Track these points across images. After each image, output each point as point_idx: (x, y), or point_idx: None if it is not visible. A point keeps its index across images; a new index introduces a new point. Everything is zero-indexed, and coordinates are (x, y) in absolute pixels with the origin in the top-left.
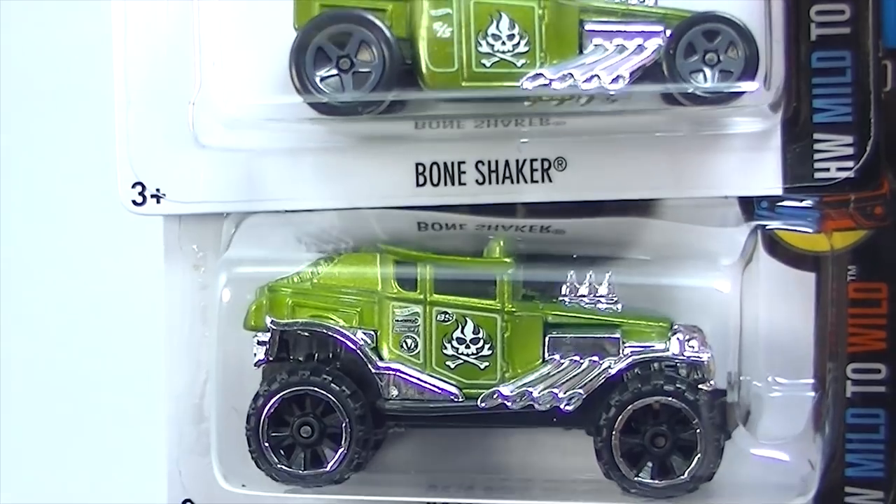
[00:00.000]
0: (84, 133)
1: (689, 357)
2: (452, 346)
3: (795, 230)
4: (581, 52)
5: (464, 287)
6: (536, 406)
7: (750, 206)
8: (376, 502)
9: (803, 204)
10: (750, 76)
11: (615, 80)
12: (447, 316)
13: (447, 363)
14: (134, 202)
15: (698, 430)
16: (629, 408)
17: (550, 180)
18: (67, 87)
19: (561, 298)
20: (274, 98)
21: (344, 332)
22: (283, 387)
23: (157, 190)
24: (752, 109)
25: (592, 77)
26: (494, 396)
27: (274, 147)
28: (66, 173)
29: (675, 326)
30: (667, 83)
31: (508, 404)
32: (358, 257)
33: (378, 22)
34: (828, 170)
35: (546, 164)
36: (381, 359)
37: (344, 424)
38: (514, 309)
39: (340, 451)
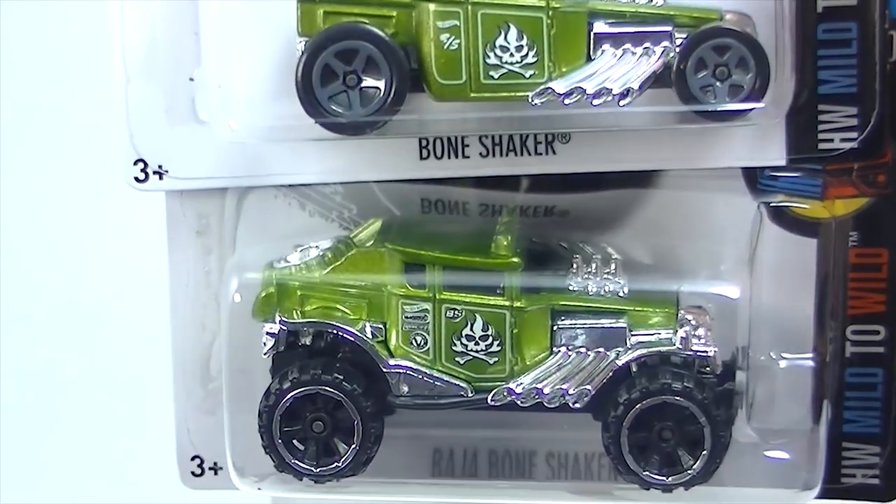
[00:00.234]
0: (85, 109)
1: (696, 351)
2: (462, 343)
3: (798, 198)
4: (590, 57)
5: (472, 284)
6: (546, 404)
7: (753, 176)
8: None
9: (806, 173)
10: (761, 91)
11: (625, 93)
12: (456, 313)
13: (456, 359)
14: (136, 179)
15: (705, 428)
16: (637, 407)
17: (554, 153)
18: (66, 66)
19: (567, 283)
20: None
21: (354, 331)
22: (294, 386)
23: (160, 166)
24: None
25: (602, 91)
26: (505, 394)
27: (276, 122)
28: (68, 146)
29: (681, 312)
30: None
31: (518, 402)
32: (366, 256)
33: (386, 37)
34: (832, 140)
35: (550, 137)
36: (391, 355)
37: (356, 422)
38: (522, 305)
39: (353, 446)
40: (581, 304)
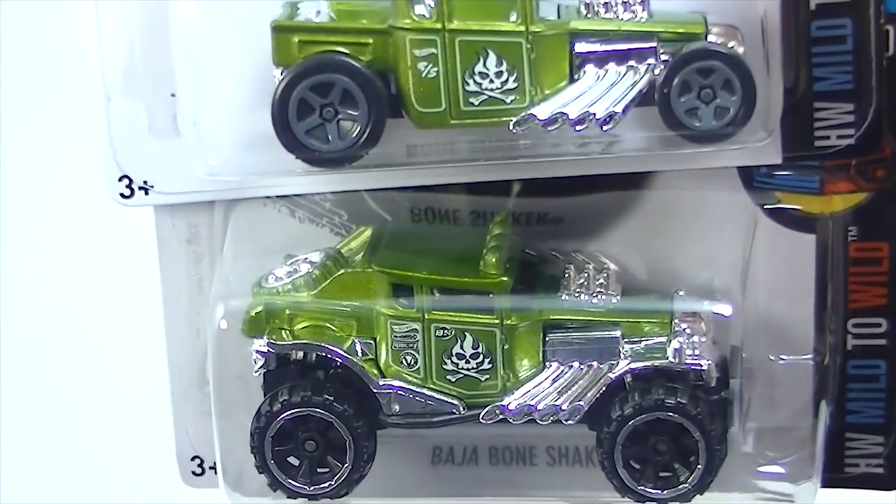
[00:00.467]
0: (67, 128)
1: (689, 364)
2: (452, 362)
3: (795, 194)
4: (573, 77)
5: (461, 303)
6: (539, 421)
7: (749, 174)
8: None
9: (803, 170)
10: (747, 113)
11: (609, 118)
12: (446, 332)
13: (448, 377)
14: (122, 195)
15: (699, 442)
16: (630, 423)
17: None
18: (47, 85)
19: (559, 295)
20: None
21: (343, 353)
22: (284, 408)
23: (145, 182)
24: None
25: (585, 117)
26: (497, 412)
27: (260, 131)
28: (54, 159)
29: (676, 320)
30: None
31: (511, 420)
32: (353, 277)
33: (361, 69)
34: (828, 138)
35: None
36: (381, 374)
37: (347, 442)
38: (513, 322)
39: (345, 465)
40: (573, 316)
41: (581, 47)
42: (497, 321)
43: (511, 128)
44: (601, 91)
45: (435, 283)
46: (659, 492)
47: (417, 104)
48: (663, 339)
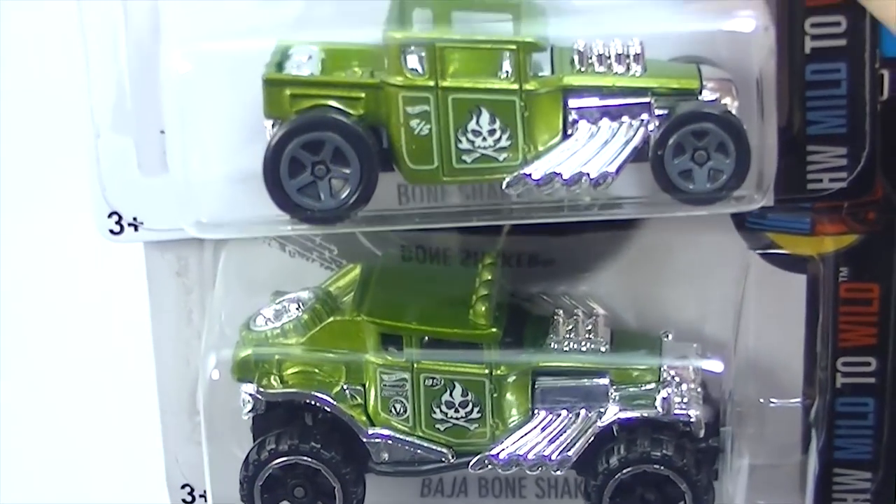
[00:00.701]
0: (56, 164)
1: (677, 415)
2: (441, 410)
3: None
4: (566, 134)
5: (451, 354)
6: (528, 471)
7: (741, 214)
8: None
9: (795, 211)
10: (741, 175)
11: (602, 178)
12: (435, 381)
13: (437, 426)
14: (111, 231)
15: (686, 493)
16: (617, 476)
17: None
18: (36, 121)
19: (548, 342)
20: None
21: (332, 401)
22: (272, 456)
23: (134, 218)
24: None
25: (579, 177)
26: (486, 462)
27: (249, 170)
28: (44, 195)
29: (664, 368)
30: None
31: (499, 471)
32: (342, 325)
33: (352, 126)
34: (821, 181)
35: None
36: (370, 421)
37: (336, 489)
38: (502, 373)
39: None
40: (561, 364)
41: (575, 103)
42: (486, 372)
43: (504, 188)
44: (595, 149)
45: (424, 334)
46: None
47: (409, 161)
48: (652, 386)
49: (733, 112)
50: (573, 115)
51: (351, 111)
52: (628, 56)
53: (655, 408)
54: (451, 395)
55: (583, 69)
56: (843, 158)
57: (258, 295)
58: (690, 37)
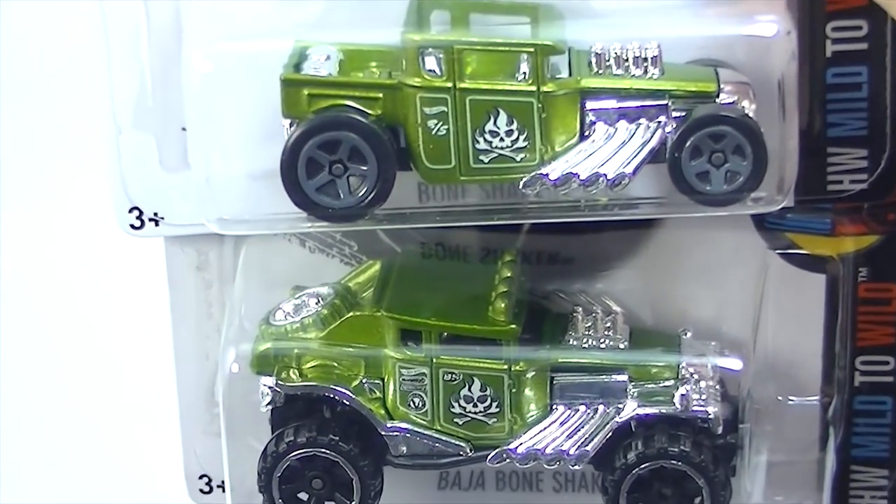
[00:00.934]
0: (79, 161)
1: (695, 412)
2: (460, 405)
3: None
4: (583, 135)
5: (470, 350)
6: (546, 465)
7: (761, 214)
8: None
9: (815, 212)
10: (758, 177)
11: (619, 179)
12: (454, 376)
13: (455, 420)
14: (132, 226)
15: (703, 489)
16: (634, 471)
17: None
18: (58, 118)
19: (566, 339)
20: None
21: (350, 395)
22: (290, 449)
23: (155, 214)
24: None
25: (596, 178)
26: (504, 456)
27: (269, 168)
28: (66, 191)
29: (683, 366)
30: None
31: (517, 465)
32: (361, 320)
33: (369, 125)
34: (841, 182)
35: None
36: (389, 415)
37: (354, 480)
38: (521, 369)
39: (352, 503)
40: (580, 361)
41: (592, 105)
42: (505, 367)
43: (521, 188)
44: (612, 150)
45: (443, 330)
46: None
47: (427, 161)
48: (670, 382)
49: (751, 115)
50: (590, 117)
51: (368, 111)
52: (646, 59)
53: (674, 404)
54: (469, 390)
55: (600, 71)
56: (863, 160)
57: (278, 290)
58: (711, 41)
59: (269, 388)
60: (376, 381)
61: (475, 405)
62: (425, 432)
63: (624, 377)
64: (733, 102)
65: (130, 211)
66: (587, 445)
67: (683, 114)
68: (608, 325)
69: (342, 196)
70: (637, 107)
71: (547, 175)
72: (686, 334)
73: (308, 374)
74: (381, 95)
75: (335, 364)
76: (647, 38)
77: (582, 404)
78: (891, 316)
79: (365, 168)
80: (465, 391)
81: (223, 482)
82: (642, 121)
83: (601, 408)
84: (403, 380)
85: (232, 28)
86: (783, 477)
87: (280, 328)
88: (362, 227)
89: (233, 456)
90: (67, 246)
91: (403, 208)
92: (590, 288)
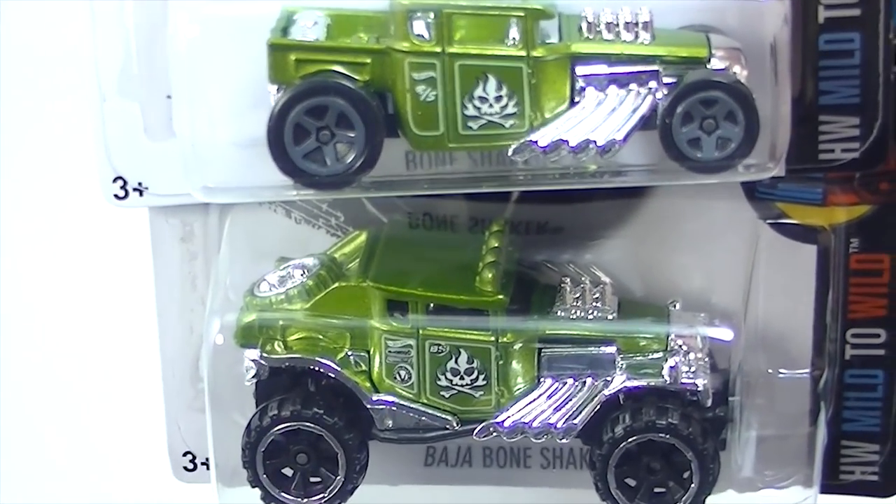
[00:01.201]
0: (62, 128)
1: (684, 384)
2: (447, 378)
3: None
4: (573, 101)
5: (457, 321)
6: (533, 438)
7: (751, 184)
8: None
9: (806, 181)
10: (749, 144)
11: (609, 145)
12: (440, 348)
13: (441, 393)
14: (116, 196)
15: (692, 462)
16: (622, 445)
17: None
18: (41, 86)
19: (554, 310)
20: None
21: (336, 368)
22: (274, 422)
23: (139, 184)
24: None
25: (586, 144)
26: (491, 429)
27: (255, 135)
28: (49, 159)
29: (672, 337)
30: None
31: (504, 438)
32: (347, 291)
33: (356, 90)
34: (832, 151)
35: None
36: (374, 388)
37: (339, 454)
38: (508, 340)
39: (338, 477)
40: (568, 332)
41: (582, 70)
42: (492, 339)
43: (510, 155)
44: (602, 117)
45: (430, 300)
46: None
47: (415, 127)
48: (659, 355)
49: (742, 81)
50: (581, 83)
51: (356, 76)
52: (637, 24)
53: (662, 377)
54: (456, 362)
55: (591, 37)
56: (855, 129)
57: (263, 261)
58: (703, 6)
59: (254, 360)
60: (362, 354)
61: (462, 378)
62: (411, 405)
63: (612, 349)
64: (725, 68)
65: (114, 181)
66: (575, 419)
67: (674, 80)
68: (596, 296)
69: (329, 163)
70: (627, 72)
71: (536, 142)
72: (675, 306)
73: (293, 346)
74: (369, 60)
75: (320, 336)
76: (638, 2)
77: (570, 377)
78: (882, 287)
79: (352, 135)
80: (451, 363)
81: (207, 459)
82: (633, 86)
83: (589, 380)
84: (389, 352)
85: None
86: (773, 451)
87: (265, 300)
88: (349, 195)
89: (217, 431)
90: (50, 216)
91: (391, 176)
92: (579, 258)
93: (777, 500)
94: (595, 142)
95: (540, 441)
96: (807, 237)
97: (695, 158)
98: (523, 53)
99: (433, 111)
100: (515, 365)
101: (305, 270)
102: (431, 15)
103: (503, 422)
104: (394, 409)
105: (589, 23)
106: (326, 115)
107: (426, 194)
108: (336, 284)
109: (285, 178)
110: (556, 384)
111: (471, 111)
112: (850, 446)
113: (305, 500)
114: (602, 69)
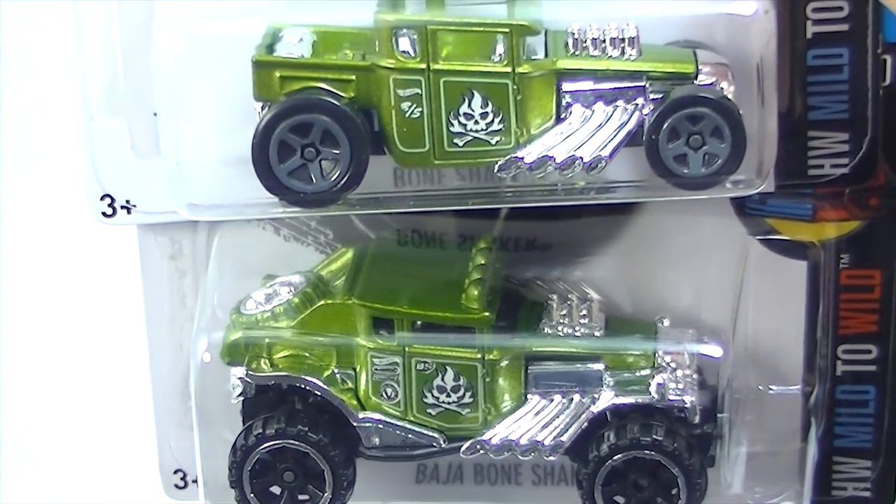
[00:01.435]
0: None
1: (672, 401)
2: (433, 395)
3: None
4: (559, 117)
5: (442, 338)
6: (520, 456)
7: (741, 199)
8: None
9: (796, 197)
10: (736, 160)
11: (595, 162)
12: (426, 365)
13: (428, 410)
14: (104, 214)
15: (678, 478)
16: (608, 463)
17: None
18: (28, 104)
19: (541, 327)
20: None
21: (322, 385)
22: (259, 441)
23: (127, 201)
24: None
25: (572, 161)
26: (478, 447)
27: (241, 152)
28: (37, 177)
29: (659, 353)
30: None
31: (492, 456)
32: (333, 308)
33: (341, 107)
34: (822, 167)
35: None
36: (361, 406)
37: (325, 471)
38: (495, 357)
39: (325, 494)
40: (555, 349)
41: (568, 86)
42: (479, 356)
43: (496, 171)
44: (588, 133)
45: (416, 318)
46: None
47: (401, 144)
48: (647, 371)
49: (729, 96)
50: (567, 99)
51: (341, 93)
52: (623, 40)
53: (650, 393)
54: (442, 379)
55: (577, 53)
56: (844, 144)
57: (251, 278)
58: (689, 21)
59: (240, 378)
60: (348, 372)
61: (448, 395)
62: (398, 423)
63: (600, 366)
64: (712, 84)
65: (102, 198)
66: (562, 436)
67: (661, 95)
68: (584, 312)
69: (314, 180)
70: (614, 88)
71: (522, 158)
72: (663, 322)
73: (279, 363)
74: (354, 77)
75: (306, 354)
76: (625, 17)
77: (557, 393)
78: (874, 303)
79: (337, 152)
80: (437, 381)
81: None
82: (619, 103)
83: (576, 397)
84: (376, 369)
85: (204, 9)
86: (764, 468)
87: (251, 317)
88: (336, 213)
89: (206, 449)
90: (39, 234)
91: (378, 193)
92: (568, 275)
93: None
94: (581, 158)
95: (528, 458)
96: (797, 253)
97: (681, 175)
98: (508, 70)
99: (419, 128)
100: (502, 382)
101: (292, 288)
102: (416, 31)
103: (490, 439)
104: (380, 426)
105: (575, 39)
106: (311, 133)
107: (415, 211)
108: (322, 302)
109: (270, 195)
110: (544, 401)
111: (456, 128)
112: (843, 462)
113: None
114: (588, 85)
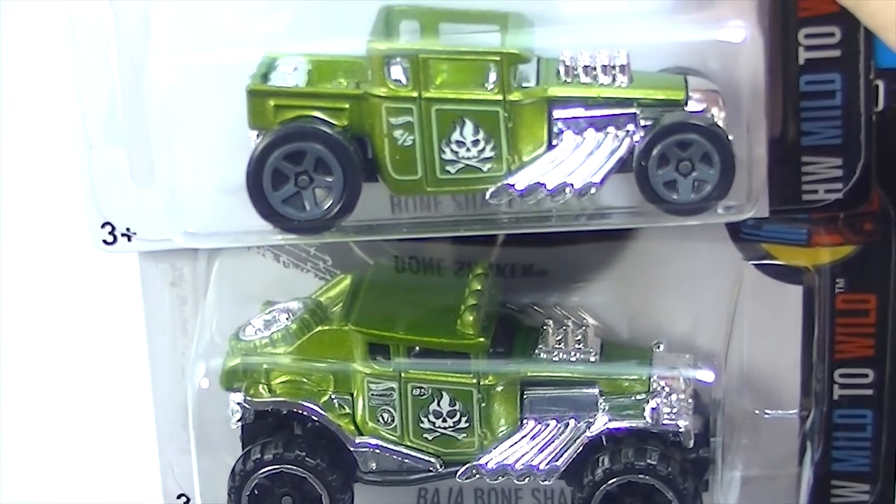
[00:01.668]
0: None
1: (666, 425)
2: (429, 420)
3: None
4: (550, 144)
5: (438, 364)
6: (516, 480)
7: (736, 225)
8: None
9: (790, 222)
10: (726, 186)
11: (586, 188)
12: (422, 391)
13: (424, 435)
14: (105, 241)
15: (672, 502)
16: (602, 488)
17: None
18: (28, 132)
19: (537, 352)
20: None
21: (320, 411)
22: (257, 466)
23: (128, 229)
24: None
25: (563, 187)
26: (473, 472)
27: (235, 180)
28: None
29: (654, 378)
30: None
31: (487, 480)
32: (330, 335)
33: (334, 136)
34: (816, 192)
35: None
36: (358, 431)
37: (323, 496)
38: (490, 382)
39: None
40: (550, 374)
41: (559, 114)
42: (474, 381)
43: (488, 198)
44: (579, 159)
45: (411, 343)
46: None
47: (393, 172)
48: (642, 396)
49: (720, 123)
50: (558, 126)
51: (334, 122)
52: (614, 67)
53: (644, 418)
54: (438, 404)
55: (568, 80)
56: (838, 169)
57: (251, 305)
58: (679, 47)
59: (239, 404)
60: (345, 397)
61: (444, 420)
62: (395, 448)
63: (594, 391)
64: (702, 110)
65: (103, 226)
66: (557, 460)
67: (652, 122)
68: (579, 337)
69: (308, 208)
70: (605, 115)
71: (513, 185)
72: (659, 347)
73: (277, 389)
74: (347, 106)
75: (304, 379)
76: (616, 45)
77: (552, 418)
78: (869, 328)
79: (331, 179)
80: (433, 406)
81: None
82: (610, 129)
83: (572, 422)
84: (372, 395)
85: (200, 38)
86: (760, 492)
87: (249, 343)
88: (331, 240)
89: (208, 473)
90: (40, 263)
91: (374, 220)
92: (565, 300)
93: None
94: (572, 185)
95: (524, 483)
96: (792, 277)
97: (671, 200)
98: (499, 97)
99: (411, 155)
100: (498, 407)
101: (290, 314)
102: (408, 60)
103: (486, 464)
104: (377, 451)
105: (566, 66)
106: (304, 161)
107: (412, 238)
108: (318, 328)
109: (265, 222)
110: (539, 426)
111: (448, 155)
112: (841, 486)
113: None
114: (579, 112)
